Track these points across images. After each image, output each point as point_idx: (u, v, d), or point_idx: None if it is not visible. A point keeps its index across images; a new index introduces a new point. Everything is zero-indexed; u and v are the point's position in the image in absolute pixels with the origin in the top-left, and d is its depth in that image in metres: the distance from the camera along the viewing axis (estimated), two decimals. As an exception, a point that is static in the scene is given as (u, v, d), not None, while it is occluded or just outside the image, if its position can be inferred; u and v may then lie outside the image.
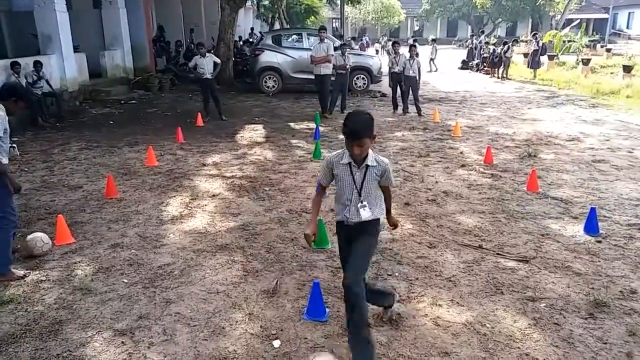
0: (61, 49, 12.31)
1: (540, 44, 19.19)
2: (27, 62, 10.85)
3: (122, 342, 3.30)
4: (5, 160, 4.03)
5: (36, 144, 9.05)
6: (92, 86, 13.85)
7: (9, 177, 4.04)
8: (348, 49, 12.33)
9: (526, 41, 31.09)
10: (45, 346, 3.27)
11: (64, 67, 12.46)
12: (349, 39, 26.98)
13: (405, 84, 11.74)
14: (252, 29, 27.60)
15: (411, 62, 11.52)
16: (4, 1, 14.41)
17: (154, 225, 5.31)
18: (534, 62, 19.41)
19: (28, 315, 3.64)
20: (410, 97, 11.94)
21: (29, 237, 4.61)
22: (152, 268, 4.35)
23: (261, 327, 3.46)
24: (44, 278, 4.18)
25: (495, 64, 20.21)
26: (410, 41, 15.96)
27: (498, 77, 19.78)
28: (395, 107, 12.17)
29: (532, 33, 22.06)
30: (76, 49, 13.30)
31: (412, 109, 12.01)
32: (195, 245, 4.81)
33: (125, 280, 4.13)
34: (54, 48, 12.27)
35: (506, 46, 19.72)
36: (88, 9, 15.77)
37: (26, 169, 7.45)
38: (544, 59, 20.50)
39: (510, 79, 19.49)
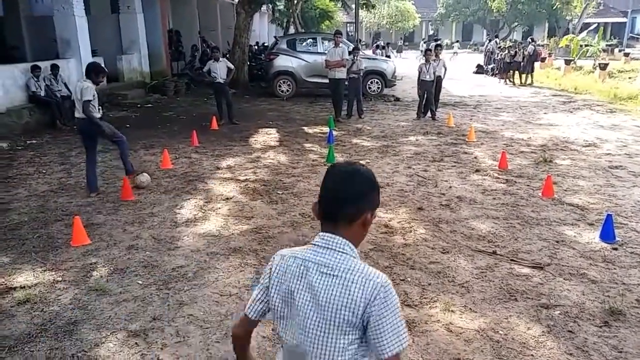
0: (79, 53, 12.50)
1: (532, 50, 19.01)
2: (46, 66, 11.06)
3: (136, 343, 3.34)
4: (98, 115, 6.17)
5: (54, 147, 9.19)
6: (109, 90, 14.03)
7: (102, 125, 6.21)
8: (360, 53, 12.32)
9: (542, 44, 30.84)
10: (60, 346, 3.32)
11: (82, 71, 12.59)
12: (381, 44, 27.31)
13: (420, 87, 11.73)
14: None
15: (427, 66, 11.50)
16: (25, 6, 14.72)
17: (169, 227, 5.37)
18: (527, 67, 19.26)
19: (44, 315, 3.70)
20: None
21: (138, 175, 6.74)
22: (166, 270, 4.39)
23: (273, 330, 3.47)
24: (59, 278, 4.25)
25: (507, 68, 20.04)
26: (423, 45, 15.87)
27: (513, 82, 19.56)
28: (425, 112, 12.07)
29: (529, 38, 21.92)
30: (94, 53, 13.52)
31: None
32: (208, 247, 4.84)
33: (140, 282, 4.18)
34: (73, 52, 12.47)
35: (513, 50, 19.57)
36: (106, 14, 16.04)
37: (44, 171, 7.58)
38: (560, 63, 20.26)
39: (522, 84, 19.30)
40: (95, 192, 6.43)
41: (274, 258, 1.63)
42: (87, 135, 6.34)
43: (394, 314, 1.46)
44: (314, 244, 1.56)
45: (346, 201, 1.52)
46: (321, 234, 1.56)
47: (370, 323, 1.45)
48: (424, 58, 11.79)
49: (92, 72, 6.13)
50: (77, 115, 6.20)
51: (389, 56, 23.18)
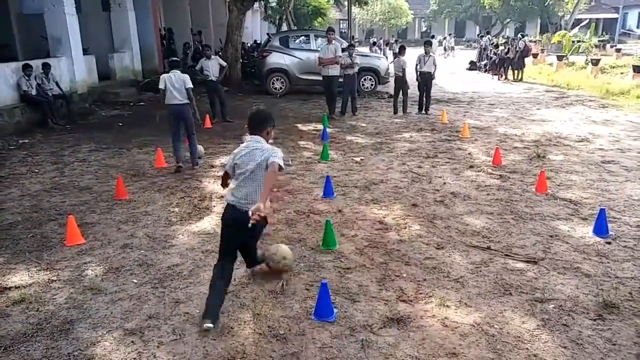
0: (71, 51, 12.41)
1: (522, 45, 19.09)
2: (37, 65, 10.97)
3: (132, 342, 3.33)
4: (170, 101, 7.33)
5: (46, 146, 9.14)
6: (101, 88, 13.97)
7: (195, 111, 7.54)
8: (355, 50, 12.35)
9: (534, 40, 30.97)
10: (56, 345, 3.31)
11: (73, 70, 12.57)
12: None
13: (399, 83, 12.00)
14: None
15: (425, 58, 11.64)
16: (15, 4, 14.58)
17: (163, 226, 5.35)
18: (517, 63, 19.36)
19: (39, 314, 3.68)
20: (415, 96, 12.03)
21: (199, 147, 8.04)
22: (161, 268, 4.38)
23: (269, 327, 3.48)
24: (55, 278, 4.23)
25: (500, 64, 20.12)
26: (446, 40, 15.82)
27: (506, 78, 19.66)
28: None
29: (520, 34, 22.07)
30: (85, 52, 13.42)
31: (411, 109, 12.37)
32: (203, 245, 4.84)
33: (135, 281, 4.17)
34: (64, 50, 12.39)
35: (507, 47, 19.62)
36: (97, 11, 15.90)
37: (37, 171, 7.53)
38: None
39: (514, 79, 19.38)
40: (181, 162, 7.57)
41: (234, 151, 3.67)
42: (180, 118, 7.36)
43: (278, 154, 3.47)
44: (251, 139, 3.60)
45: (260, 122, 3.65)
46: (251, 136, 3.61)
47: (269, 160, 3.40)
48: (444, 50, 11.90)
49: (182, 67, 7.78)
50: (175, 102, 7.22)
51: (396, 54, 22.35)
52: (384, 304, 3.74)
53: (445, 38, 39.21)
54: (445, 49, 35.42)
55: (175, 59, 7.99)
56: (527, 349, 3.21)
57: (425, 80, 11.75)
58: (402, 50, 12.08)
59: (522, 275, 4.17)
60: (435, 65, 11.86)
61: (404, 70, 11.72)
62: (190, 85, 7.25)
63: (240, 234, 3.60)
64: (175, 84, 7.19)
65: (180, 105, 7.24)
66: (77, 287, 4.07)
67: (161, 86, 7.22)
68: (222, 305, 3.59)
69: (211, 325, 3.38)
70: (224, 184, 3.81)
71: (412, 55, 12.35)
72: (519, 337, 3.34)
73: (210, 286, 3.60)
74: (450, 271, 4.26)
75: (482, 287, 3.99)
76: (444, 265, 4.38)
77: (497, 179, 6.85)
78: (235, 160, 3.55)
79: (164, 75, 7.36)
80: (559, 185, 6.50)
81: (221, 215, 3.71)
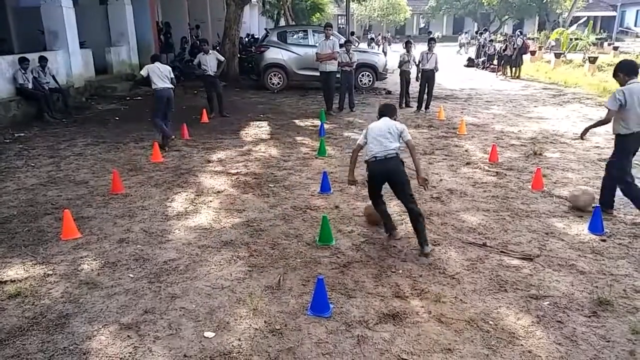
0: (67, 45, 12.35)
1: (520, 43, 19.11)
2: (33, 58, 10.91)
3: (128, 336, 3.33)
4: (163, 85, 8.45)
5: (43, 140, 9.10)
6: (98, 82, 13.91)
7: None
8: (353, 46, 12.35)
9: (533, 38, 30.98)
10: (52, 339, 3.31)
11: (70, 63, 12.52)
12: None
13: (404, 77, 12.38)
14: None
15: (428, 55, 11.65)
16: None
17: (160, 220, 5.35)
18: (515, 61, 19.40)
19: (35, 308, 3.68)
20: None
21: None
22: (158, 263, 4.38)
23: (265, 322, 3.48)
24: (50, 272, 4.22)
25: (499, 61, 20.15)
26: (463, 38, 15.87)
27: (504, 75, 19.69)
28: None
29: (517, 31, 22.14)
30: (82, 45, 13.35)
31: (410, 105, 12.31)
32: (200, 241, 4.84)
33: (131, 275, 4.17)
34: (61, 44, 12.32)
35: (504, 44, 19.65)
36: (94, 5, 15.81)
37: (33, 164, 7.51)
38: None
39: (512, 76, 19.40)
40: (173, 135, 8.68)
41: (368, 126, 4.75)
42: (169, 99, 8.47)
43: (407, 131, 4.60)
44: (382, 119, 4.74)
45: (389, 111, 4.83)
46: (383, 118, 4.75)
47: (402, 135, 4.55)
48: (459, 47, 12.04)
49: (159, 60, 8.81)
50: (166, 86, 8.40)
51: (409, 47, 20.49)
52: (379, 300, 3.76)
53: (461, 35, 39.17)
54: (460, 46, 35.36)
55: (156, 54, 9.44)
56: (521, 345, 3.23)
57: (428, 77, 11.69)
58: (406, 45, 12.56)
59: (517, 272, 4.19)
60: (437, 63, 11.79)
61: (401, 64, 12.13)
62: (172, 75, 8.66)
63: (391, 177, 4.56)
64: (164, 73, 8.45)
65: (170, 89, 8.49)
66: (73, 281, 4.07)
67: (143, 73, 8.51)
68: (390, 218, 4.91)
69: (398, 236, 4.84)
70: (354, 158, 4.86)
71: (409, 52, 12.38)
72: (514, 333, 3.36)
73: (383, 222, 4.91)
74: (446, 267, 4.28)
75: (478, 284, 4.01)
76: (440, 261, 4.39)
77: (494, 176, 6.86)
78: (373, 130, 4.58)
79: (148, 65, 8.46)
80: (555, 183, 6.52)
81: (368, 173, 4.68)
